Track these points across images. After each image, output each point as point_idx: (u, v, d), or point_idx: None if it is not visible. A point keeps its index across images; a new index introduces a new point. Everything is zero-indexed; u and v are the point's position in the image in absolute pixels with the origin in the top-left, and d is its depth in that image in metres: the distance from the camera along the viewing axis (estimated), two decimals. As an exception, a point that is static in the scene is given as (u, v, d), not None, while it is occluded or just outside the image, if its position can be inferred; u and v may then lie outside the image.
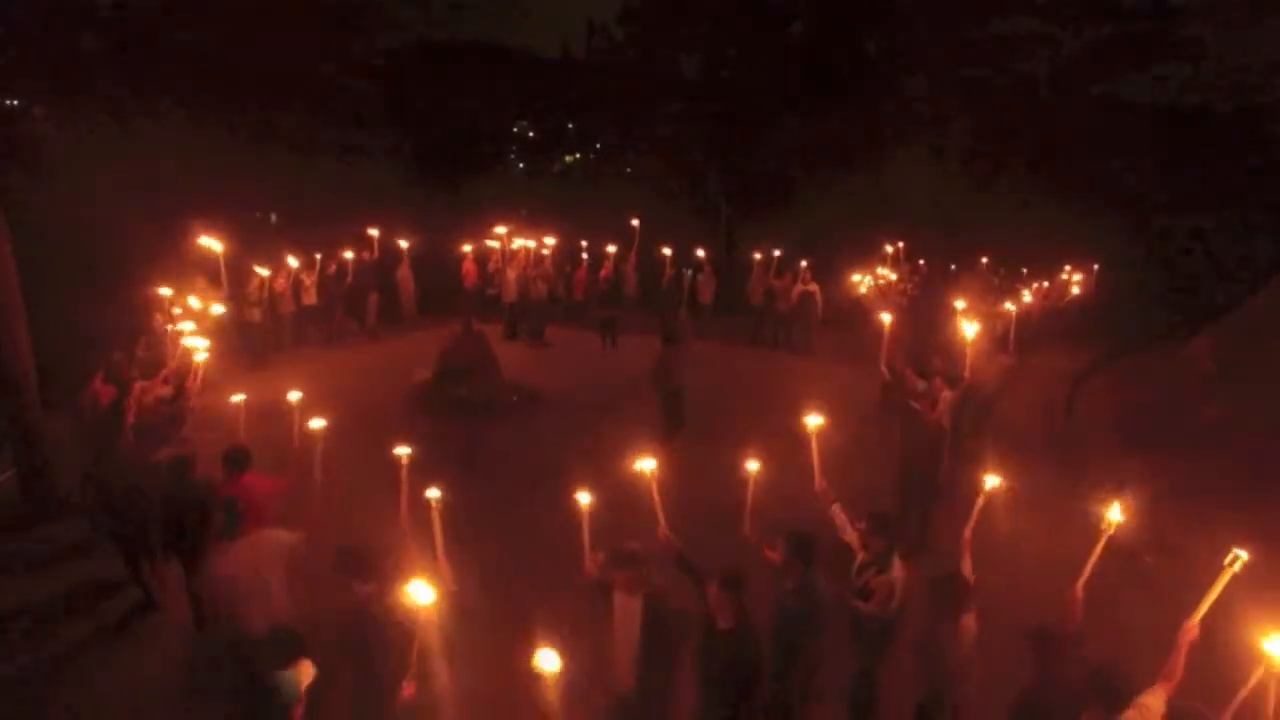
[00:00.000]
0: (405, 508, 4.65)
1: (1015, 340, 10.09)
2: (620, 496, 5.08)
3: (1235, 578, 3.71)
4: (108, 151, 14.28)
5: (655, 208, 18.17)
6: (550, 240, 15.39)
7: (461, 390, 10.54)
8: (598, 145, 29.59)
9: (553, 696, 3.02)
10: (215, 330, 10.97)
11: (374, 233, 15.30)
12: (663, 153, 25.37)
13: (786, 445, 5.65)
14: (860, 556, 4.56)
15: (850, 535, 4.67)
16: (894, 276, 14.02)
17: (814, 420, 5.18)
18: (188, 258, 12.08)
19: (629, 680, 4.16)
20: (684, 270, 15.04)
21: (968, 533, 4.76)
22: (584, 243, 16.27)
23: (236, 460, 5.30)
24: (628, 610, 4.15)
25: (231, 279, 11.55)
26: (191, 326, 8.04)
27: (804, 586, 4.25)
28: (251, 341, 12.81)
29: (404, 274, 15.71)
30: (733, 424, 9.76)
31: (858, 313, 13.40)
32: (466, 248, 15.59)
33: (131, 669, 5.58)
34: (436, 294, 15.93)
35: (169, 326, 8.75)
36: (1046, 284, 15.74)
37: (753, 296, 14.94)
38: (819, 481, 5.01)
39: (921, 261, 16.57)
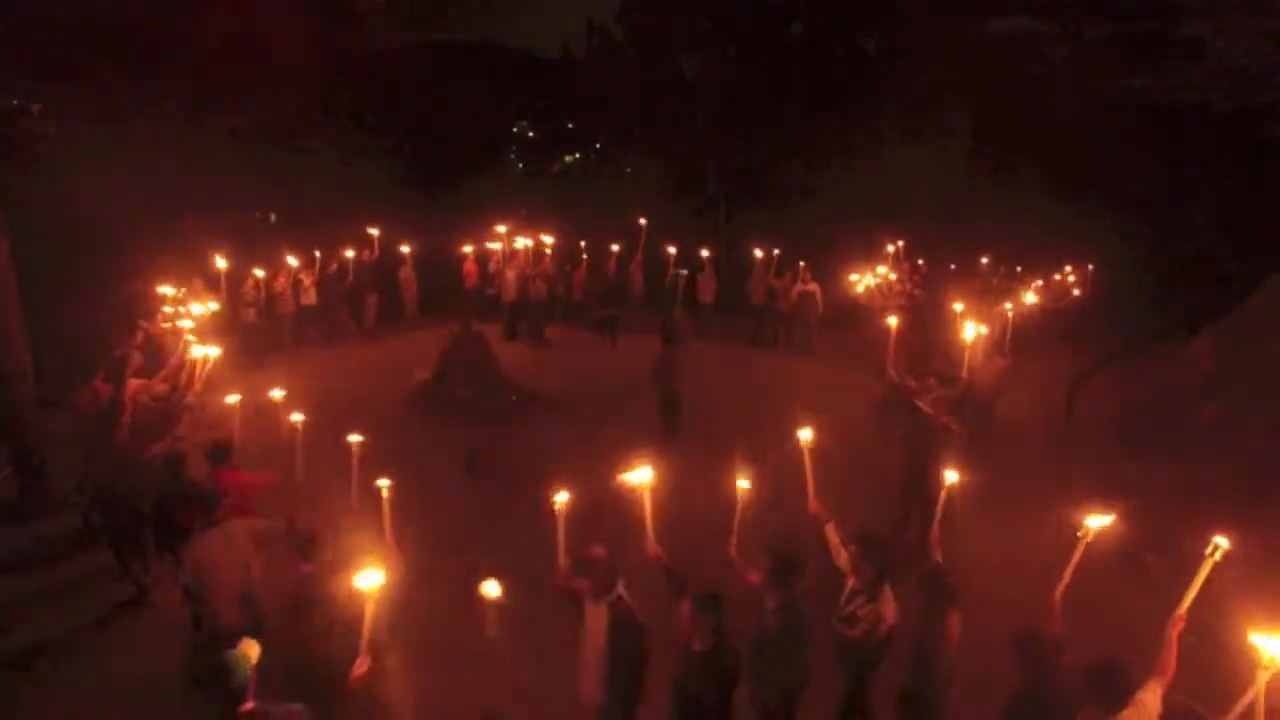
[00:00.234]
0: (355, 494, 4.94)
1: (1012, 342, 10.09)
2: (611, 502, 5.02)
3: (1238, 579, 3.73)
4: (105, 150, 14.27)
5: (656, 207, 18.14)
6: (549, 240, 15.37)
7: (460, 391, 10.52)
8: (597, 145, 29.57)
9: (493, 622, 3.59)
10: (212, 331, 11.07)
11: (374, 232, 15.28)
12: (662, 152, 25.36)
13: (782, 453, 5.59)
14: (850, 582, 4.38)
15: (843, 559, 4.48)
16: (894, 276, 13.98)
17: (806, 435, 4.99)
18: (186, 258, 12.11)
19: (596, 691, 4.12)
20: (679, 272, 15.03)
21: (935, 529, 4.76)
22: (583, 243, 16.23)
23: (216, 454, 5.40)
24: (596, 619, 4.10)
25: (229, 279, 11.56)
26: (190, 326, 8.03)
27: (786, 607, 4.09)
28: (248, 342, 12.79)
29: (406, 274, 15.71)
30: (730, 428, 9.70)
31: (857, 312, 13.40)
32: (468, 248, 15.57)
33: (128, 666, 5.57)
34: (438, 294, 15.90)
35: (168, 325, 8.74)
36: (1041, 283, 15.69)
37: (754, 295, 14.91)
38: (813, 502, 4.85)
39: (921, 261, 16.53)
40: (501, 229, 14.83)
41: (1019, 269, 16.91)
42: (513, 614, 4.04)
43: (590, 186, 26.37)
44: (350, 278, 14.66)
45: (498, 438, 9.51)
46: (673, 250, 15.08)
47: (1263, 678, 3.23)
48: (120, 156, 14.16)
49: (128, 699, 5.22)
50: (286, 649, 3.96)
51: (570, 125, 29.70)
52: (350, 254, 14.64)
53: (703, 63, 24.46)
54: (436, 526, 6.63)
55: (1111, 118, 23.65)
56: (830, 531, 4.64)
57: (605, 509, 5.09)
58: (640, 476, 4.39)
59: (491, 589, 3.78)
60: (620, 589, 4.10)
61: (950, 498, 4.92)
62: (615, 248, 15.64)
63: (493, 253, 15.09)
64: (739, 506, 4.63)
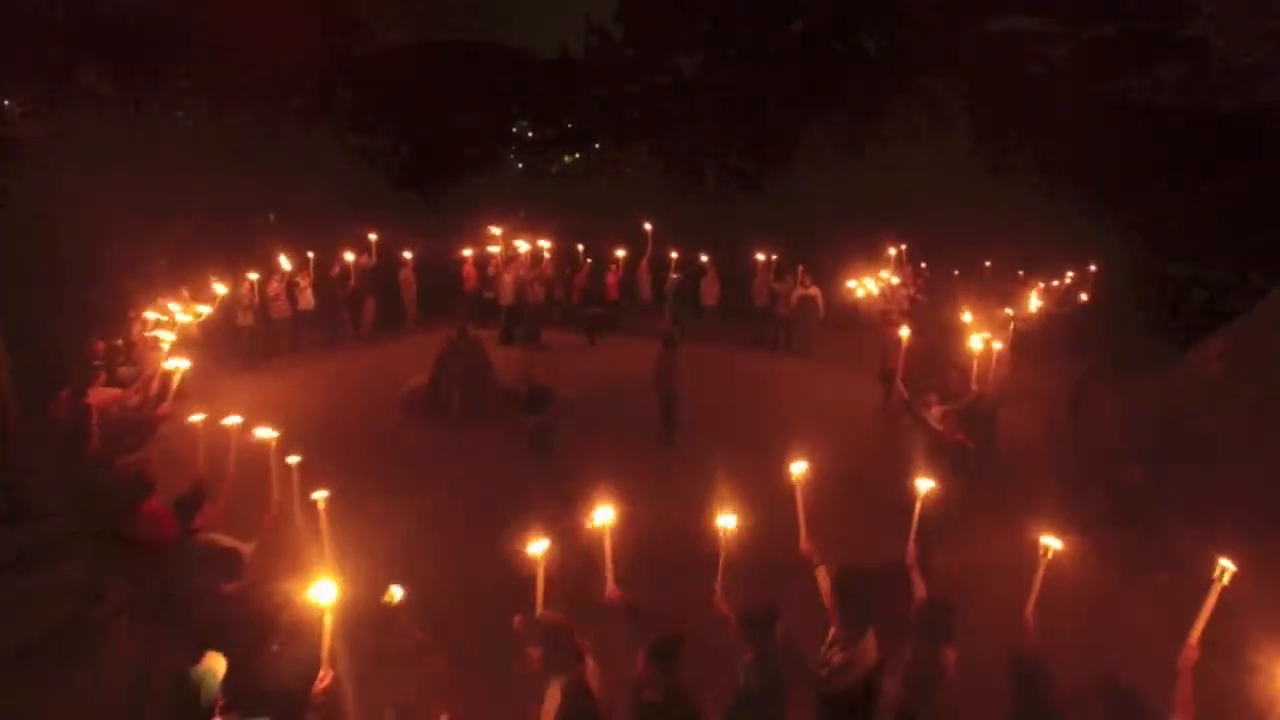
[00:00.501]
0: (296, 509, 4.78)
1: (1014, 347, 9.88)
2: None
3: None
4: (93, 151, 14.07)
5: (656, 208, 17.92)
6: (546, 243, 15.17)
7: (455, 397, 10.32)
8: (596, 145, 29.41)
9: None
10: (200, 337, 10.86)
11: (373, 237, 15.11)
12: (662, 152, 25.21)
13: (777, 477, 5.37)
14: (833, 630, 4.04)
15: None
16: (896, 280, 13.78)
17: (799, 469, 4.62)
18: (177, 262, 11.92)
19: None
20: (673, 275, 14.89)
21: (911, 550, 4.51)
22: (580, 246, 16.02)
23: (182, 510, 5.02)
24: (550, 696, 3.61)
25: (225, 283, 11.34)
26: (170, 336, 7.81)
27: (762, 659, 3.76)
28: (242, 347, 12.61)
29: (406, 278, 15.52)
30: (729, 435, 9.52)
31: (858, 317, 13.20)
32: (467, 251, 15.39)
33: (90, 681, 5.35)
34: (438, 297, 15.69)
35: (147, 334, 8.54)
36: (1042, 285, 15.48)
37: (756, 298, 14.70)
38: (804, 542, 4.49)
39: (924, 264, 16.33)
40: (497, 231, 14.63)
41: (1021, 272, 16.71)
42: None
43: (590, 187, 26.18)
44: (352, 282, 14.52)
45: (487, 449, 9.26)
46: (675, 255, 14.89)
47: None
48: (109, 157, 13.95)
49: (91, 713, 5.01)
50: (244, 667, 3.90)
51: (570, 125, 29.54)
52: (351, 258, 14.53)
53: (702, 63, 24.27)
54: (415, 541, 6.46)
55: (1113, 118, 23.55)
56: (821, 577, 4.28)
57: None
58: (601, 518, 4.05)
59: (396, 592, 3.70)
60: (585, 665, 3.64)
61: (928, 512, 4.69)
62: (621, 253, 15.39)
63: (492, 256, 14.88)
64: (722, 551, 4.23)
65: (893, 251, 14.76)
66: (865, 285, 12.26)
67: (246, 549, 4.70)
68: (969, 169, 21.62)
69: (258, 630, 4.06)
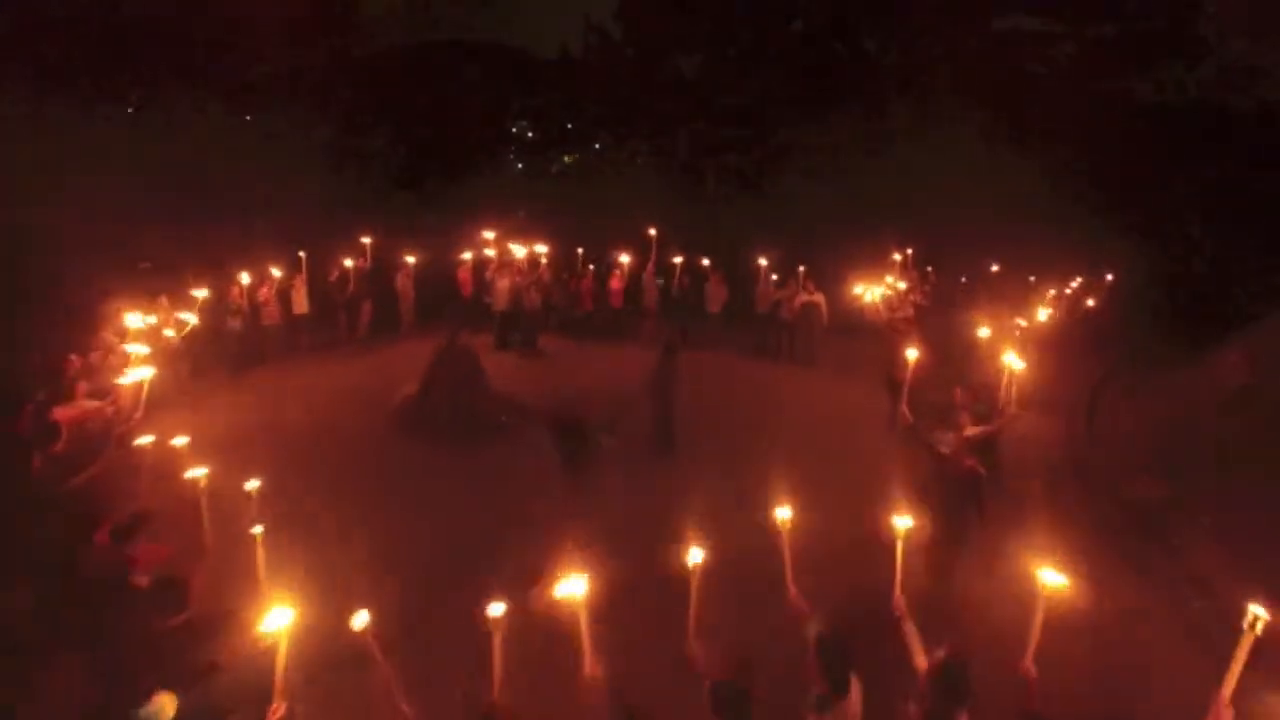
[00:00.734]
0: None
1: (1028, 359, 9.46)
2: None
3: None
4: (75, 152, 13.74)
5: (655, 210, 17.56)
6: (542, 247, 14.82)
7: (445, 409, 9.95)
8: (596, 145, 29.08)
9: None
10: (183, 346, 10.51)
11: (367, 240, 14.81)
12: (662, 152, 24.87)
13: (771, 492, 4.98)
14: (814, 689, 3.73)
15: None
16: (902, 285, 13.38)
17: (784, 514, 4.22)
18: (158, 269, 11.57)
19: None
20: (674, 280, 14.61)
21: (897, 595, 4.05)
22: (580, 250, 15.64)
23: (117, 534, 4.76)
24: None
25: (208, 286, 10.97)
26: (143, 350, 7.43)
27: None
28: (229, 353, 12.27)
29: (404, 283, 15.18)
30: (724, 453, 9.18)
31: (864, 323, 12.79)
32: (466, 255, 15.03)
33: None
34: (438, 303, 15.32)
35: (118, 345, 8.19)
36: (1054, 292, 15.06)
37: (759, 304, 14.28)
38: (792, 593, 4.14)
39: (930, 268, 15.93)
40: (490, 235, 14.25)
41: (1032, 278, 16.30)
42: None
43: (591, 188, 25.84)
44: (350, 286, 14.31)
45: (473, 467, 8.90)
46: (678, 260, 14.57)
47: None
48: (95, 158, 13.61)
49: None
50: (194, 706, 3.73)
51: (570, 125, 29.21)
52: (349, 263, 14.29)
53: (702, 62, 23.92)
54: (370, 570, 6.20)
55: (1120, 118, 23.19)
56: (812, 632, 3.87)
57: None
58: (572, 589, 3.58)
59: (360, 619, 3.47)
60: None
61: (910, 546, 4.28)
62: (626, 258, 15.01)
63: (489, 260, 14.51)
64: (692, 595, 3.84)
65: (898, 256, 14.39)
66: (871, 291, 11.83)
67: (192, 579, 4.34)
68: (974, 170, 21.22)
69: (207, 666, 3.92)
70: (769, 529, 4.32)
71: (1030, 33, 26.75)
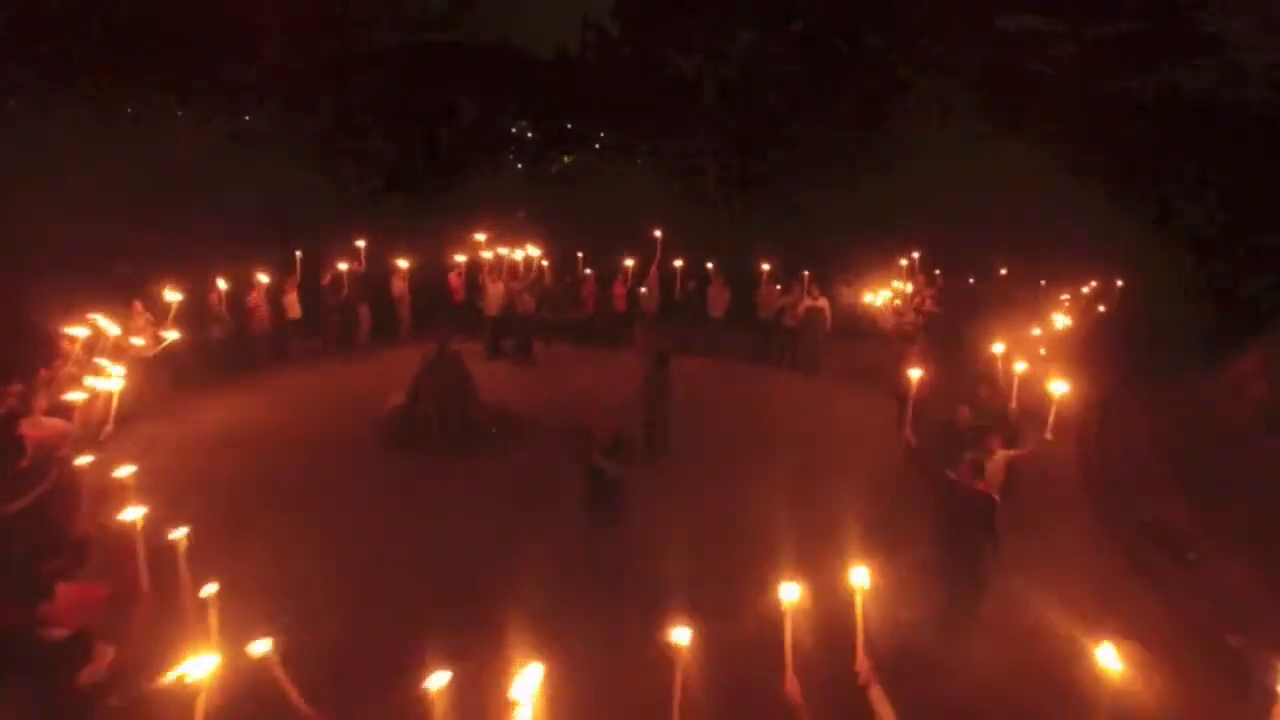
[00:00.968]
0: (186, 596, 4.16)
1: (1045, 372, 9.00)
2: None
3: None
4: (57, 155, 13.36)
5: (655, 211, 17.16)
6: (536, 251, 14.41)
7: (434, 421, 9.53)
8: (596, 145, 28.70)
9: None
10: (162, 357, 10.09)
11: (361, 244, 14.36)
12: (662, 153, 24.49)
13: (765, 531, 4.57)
14: None
15: None
16: (909, 289, 12.94)
17: (790, 595, 3.69)
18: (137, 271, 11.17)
19: None
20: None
21: (861, 658, 3.54)
22: (581, 254, 15.20)
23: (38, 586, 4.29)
24: None
25: (189, 292, 10.55)
26: (109, 365, 7.02)
27: None
28: (214, 361, 11.86)
29: (399, 288, 14.75)
30: (719, 484, 8.60)
31: (875, 329, 12.37)
32: (460, 257, 14.60)
33: None
34: (433, 307, 14.88)
35: (85, 357, 7.80)
36: (1066, 297, 14.61)
37: (762, 310, 13.81)
38: (789, 684, 3.66)
39: (938, 272, 15.48)
40: (481, 238, 13.83)
41: (1044, 282, 15.86)
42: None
43: (591, 189, 25.45)
44: (344, 291, 13.89)
45: (458, 485, 8.46)
46: (679, 263, 14.16)
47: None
48: (79, 160, 13.23)
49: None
50: None
51: (569, 125, 28.84)
52: (344, 267, 13.90)
53: (702, 61, 23.53)
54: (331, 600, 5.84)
55: (1127, 118, 22.83)
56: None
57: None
58: (525, 687, 3.09)
59: (259, 646, 3.35)
60: None
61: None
62: (630, 262, 14.57)
63: (485, 262, 14.07)
64: (676, 682, 3.41)
65: (904, 261, 13.98)
66: (879, 295, 11.38)
67: (128, 623, 3.95)
68: (979, 171, 20.80)
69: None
70: (769, 607, 3.85)
71: (1033, 32, 26.45)
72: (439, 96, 24.24)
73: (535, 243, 14.75)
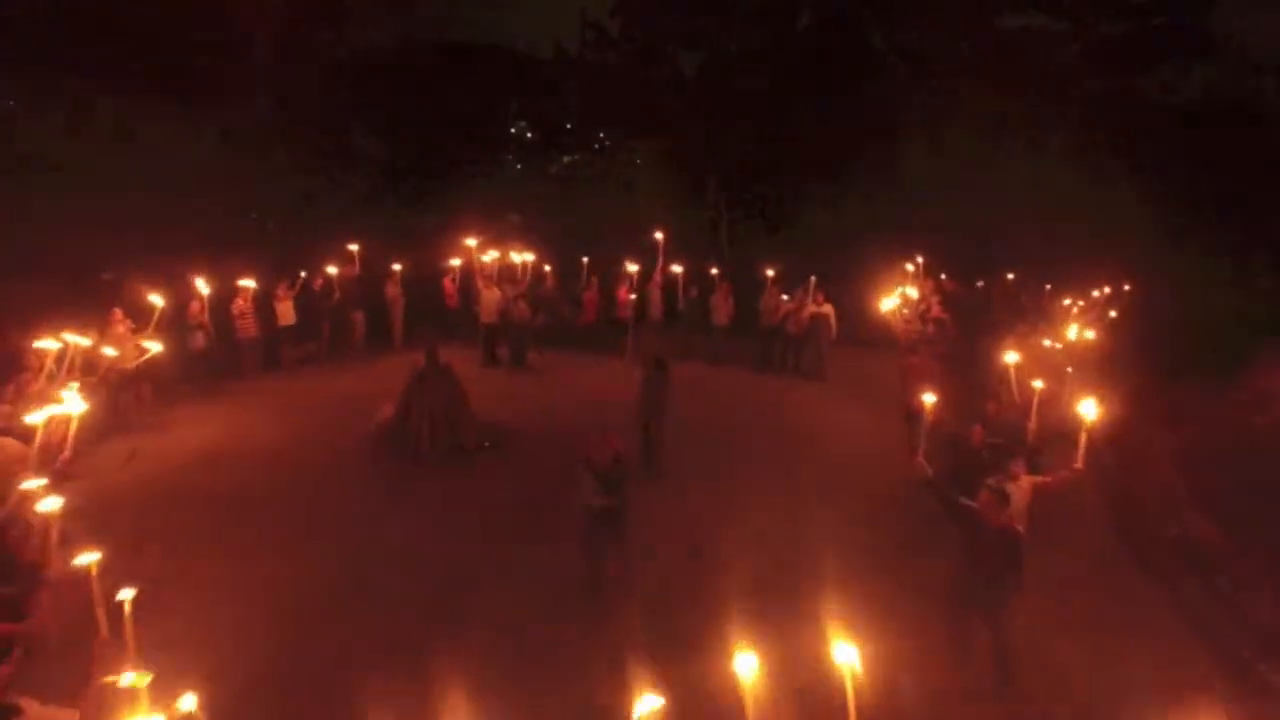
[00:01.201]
0: (130, 649, 3.76)
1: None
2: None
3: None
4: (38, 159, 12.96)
5: (656, 214, 16.76)
6: (530, 255, 14.02)
7: (424, 438, 9.13)
8: (595, 146, 28.31)
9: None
10: (138, 368, 9.69)
11: (354, 248, 13.98)
12: (661, 154, 24.08)
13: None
14: None
15: None
16: (915, 294, 12.53)
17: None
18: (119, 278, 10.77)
19: None
20: (681, 290, 13.85)
21: None
22: (586, 259, 14.79)
23: None
24: None
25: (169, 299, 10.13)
26: (70, 391, 6.61)
27: None
28: (195, 371, 11.47)
29: (393, 293, 14.36)
30: (714, 497, 8.24)
31: (881, 338, 11.92)
32: (455, 261, 14.20)
33: None
34: (431, 314, 14.47)
35: (56, 374, 7.39)
36: (1081, 304, 14.17)
37: (766, 317, 13.36)
38: None
39: (943, 276, 15.07)
40: (472, 242, 13.43)
41: (1049, 286, 15.45)
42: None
43: (591, 190, 25.06)
44: (336, 295, 13.51)
45: (441, 509, 8.00)
46: (679, 268, 13.78)
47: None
48: (57, 161, 12.83)
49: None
50: None
51: (568, 126, 28.46)
52: (333, 270, 13.53)
53: (703, 61, 23.12)
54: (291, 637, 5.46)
55: (1135, 118, 22.45)
56: None
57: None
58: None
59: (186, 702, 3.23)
60: None
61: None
62: (634, 267, 14.19)
63: (483, 266, 13.67)
64: None
65: (910, 266, 13.59)
66: (889, 301, 10.91)
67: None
68: (987, 172, 20.42)
69: None
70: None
71: (1038, 31, 26.07)
72: (434, 97, 23.84)
73: (530, 247, 14.35)
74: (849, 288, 13.62)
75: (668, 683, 3.27)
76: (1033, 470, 6.08)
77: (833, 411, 11.39)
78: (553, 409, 11.13)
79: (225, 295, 12.02)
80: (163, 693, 3.28)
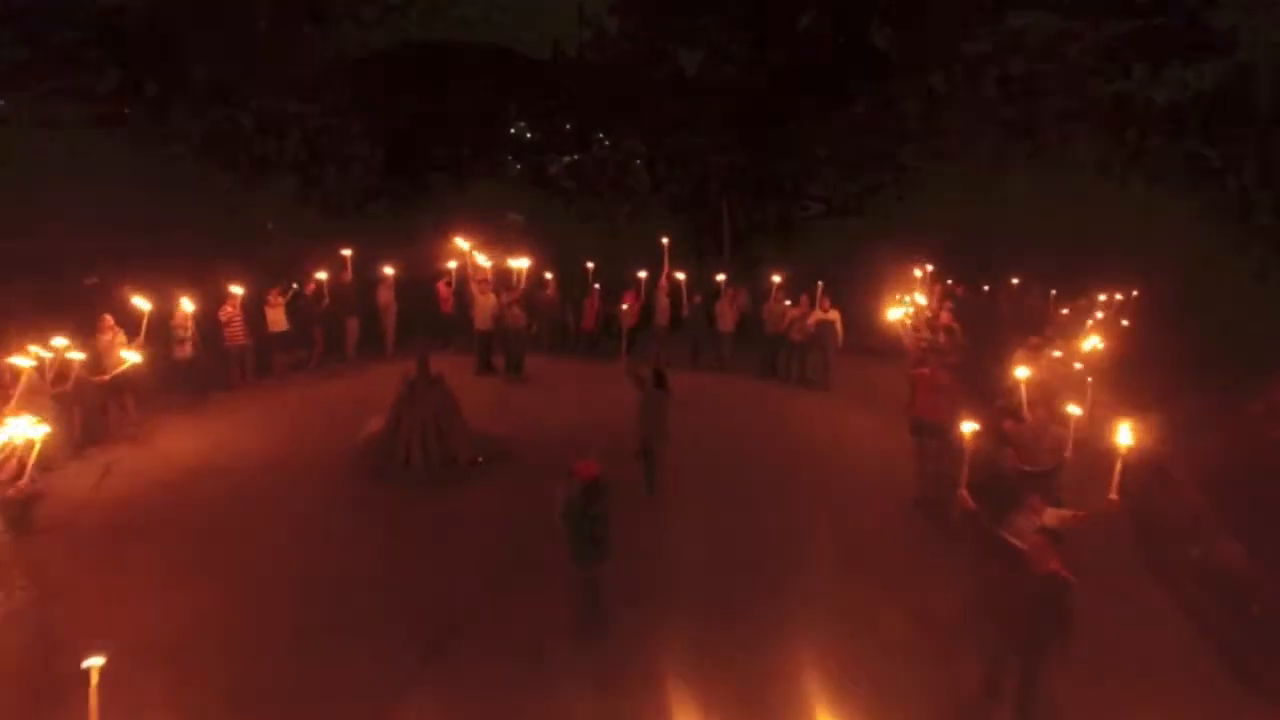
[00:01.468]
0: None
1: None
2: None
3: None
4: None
5: (657, 217, 16.43)
6: (526, 260, 13.65)
7: (413, 453, 8.77)
8: (594, 148, 27.97)
9: None
10: (119, 380, 9.33)
11: (347, 253, 13.61)
12: (661, 155, 23.74)
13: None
14: None
15: None
16: (924, 301, 12.18)
17: None
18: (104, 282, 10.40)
19: None
20: (685, 297, 13.52)
21: None
22: (591, 264, 14.43)
23: None
24: None
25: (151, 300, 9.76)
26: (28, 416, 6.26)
27: None
28: (182, 382, 11.11)
29: (385, 298, 13.99)
30: (717, 509, 7.93)
31: (890, 347, 11.56)
32: (451, 264, 13.82)
33: None
34: (426, 321, 14.09)
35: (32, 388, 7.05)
36: (1100, 316, 13.81)
37: (771, 324, 12.99)
38: None
39: (950, 281, 14.72)
40: (465, 245, 13.06)
41: (1054, 292, 15.11)
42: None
43: (590, 191, 24.69)
44: (326, 301, 13.15)
45: (430, 532, 7.63)
46: (681, 275, 13.45)
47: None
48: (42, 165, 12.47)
49: None
50: None
51: (568, 126, 28.11)
52: (323, 276, 13.16)
53: (704, 60, 22.76)
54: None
55: (1141, 117, 22.16)
56: None
57: None
58: None
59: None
60: None
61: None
62: (643, 274, 13.82)
63: (481, 270, 13.28)
64: None
65: (918, 273, 13.23)
66: (897, 309, 10.54)
67: None
68: (993, 173, 20.09)
69: None
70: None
71: (1043, 30, 25.77)
72: (430, 98, 23.49)
73: (526, 251, 13.97)
74: (856, 294, 13.25)
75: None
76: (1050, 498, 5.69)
77: (837, 422, 11.02)
78: (549, 421, 10.73)
79: (214, 302, 11.67)
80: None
